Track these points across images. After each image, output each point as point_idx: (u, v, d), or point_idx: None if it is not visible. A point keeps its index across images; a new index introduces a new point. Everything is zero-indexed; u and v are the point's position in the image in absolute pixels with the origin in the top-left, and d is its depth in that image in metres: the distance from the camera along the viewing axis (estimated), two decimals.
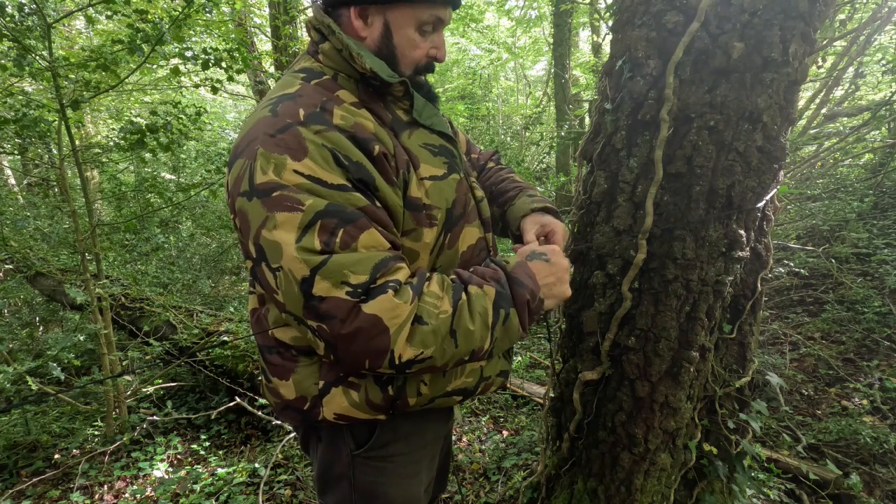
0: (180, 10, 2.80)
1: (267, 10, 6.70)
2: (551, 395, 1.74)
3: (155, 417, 3.05)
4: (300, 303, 0.78)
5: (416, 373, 0.84)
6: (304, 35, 6.71)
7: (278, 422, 2.82)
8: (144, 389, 3.30)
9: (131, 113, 7.23)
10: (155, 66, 3.86)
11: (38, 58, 2.54)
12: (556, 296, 0.94)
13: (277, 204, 0.77)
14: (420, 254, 0.93)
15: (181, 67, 3.32)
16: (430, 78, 1.03)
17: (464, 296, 0.85)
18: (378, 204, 0.83)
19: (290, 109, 0.82)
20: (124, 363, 3.44)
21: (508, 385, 1.08)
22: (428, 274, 0.87)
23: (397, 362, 0.80)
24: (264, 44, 7.99)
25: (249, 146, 0.81)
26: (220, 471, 2.55)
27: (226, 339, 3.19)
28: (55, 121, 2.85)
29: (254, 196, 0.78)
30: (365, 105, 0.90)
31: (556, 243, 1.08)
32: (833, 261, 3.61)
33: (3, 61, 2.57)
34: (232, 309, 4.32)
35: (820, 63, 4.30)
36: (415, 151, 0.93)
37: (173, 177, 6.46)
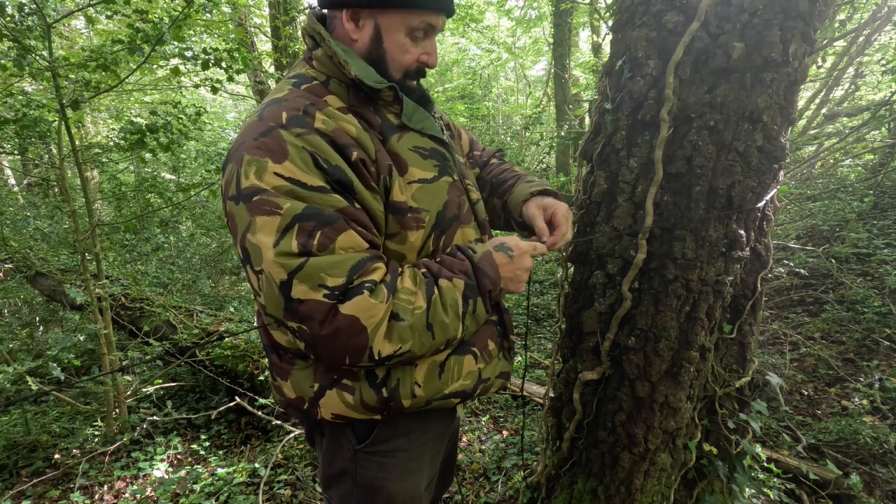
0: (180, 10, 2.79)
1: (267, 10, 6.70)
2: (551, 395, 1.74)
3: (155, 417, 3.05)
4: (280, 305, 0.80)
5: (395, 364, 0.89)
6: None
7: (278, 422, 2.82)
8: (144, 389, 3.30)
9: (131, 113, 7.23)
10: (155, 66, 3.86)
11: (38, 58, 2.54)
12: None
13: (257, 208, 0.79)
14: (406, 255, 0.95)
15: (181, 67, 3.32)
16: (430, 78, 1.04)
17: (436, 290, 0.88)
18: (357, 206, 0.85)
19: (274, 113, 0.84)
20: (124, 363, 3.44)
21: (508, 385, 1.08)
22: (400, 269, 0.89)
23: (377, 358, 0.83)
24: (264, 44, 7.99)
25: (237, 151, 0.83)
26: (220, 471, 2.55)
27: (224, 335, 3.19)
28: (55, 121, 2.85)
29: (240, 200, 0.81)
30: (353, 110, 0.91)
31: (558, 224, 1.10)
32: (833, 261, 3.61)
33: (3, 61, 2.57)
34: (232, 309, 4.32)
35: (820, 63, 4.30)
36: (404, 155, 0.94)
37: (173, 177, 6.46)
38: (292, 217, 0.78)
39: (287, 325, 0.83)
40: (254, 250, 0.80)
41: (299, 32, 6.16)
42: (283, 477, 2.43)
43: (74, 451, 2.89)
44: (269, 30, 6.63)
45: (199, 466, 2.67)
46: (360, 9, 0.91)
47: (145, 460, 2.75)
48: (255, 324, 1.07)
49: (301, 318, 0.79)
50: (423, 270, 0.91)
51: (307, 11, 1.01)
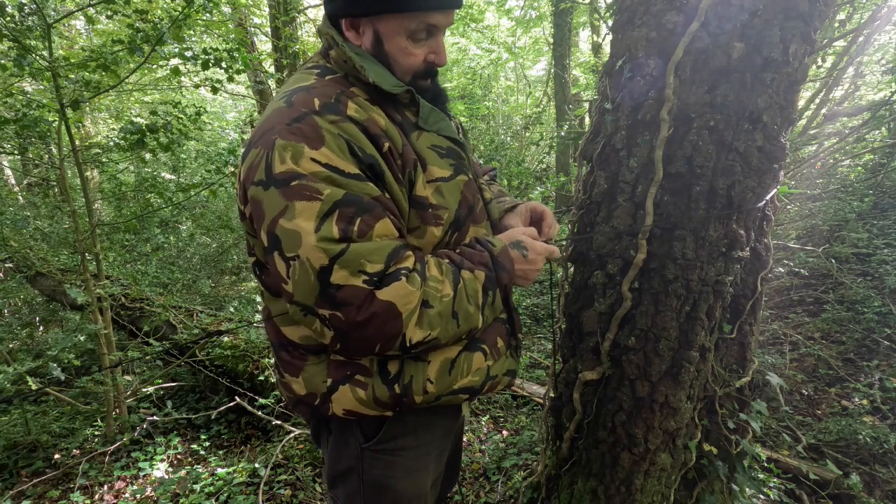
0: (180, 10, 2.79)
1: (267, 10, 6.70)
2: (551, 395, 1.74)
3: (155, 417, 3.06)
4: (315, 291, 0.80)
5: (421, 352, 0.90)
6: (303, 35, 6.71)
7: (278, 422, 2.82)
8: (144, 389, 3.30)
9: (131, 113, 7.24)
10: (155, 66, 3.86)
11: (38, 58, 2.54)
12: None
13: (296, 193, 0.78)
14: (424, 251, 0.96)
15: (181, 67, 3.32)
16: None
17: (461, 280, 0.90)
18: (387, 195, 0.86)
19: (304, 99, 0.84)
20: (122, 359, 3.45)
21: (513, 384, 1.11)
22: (426, 258, 0.90)
23: (408, 345, 0.84)
24: (264, 44, 7.98)
25: (265, 136, 0.83)
26: (220, 471, 2.55)
27: (223, 332, 3.19)
28: (55, 121, 2.85)
29: (270, 185, 0.80)
30: (377, 102, 0.91)
31: (546, 222, 1.14)
32: (833, 261, 3.61)
33: (3, 61, 2.57)
34: (232, 309, 4.32)
35: (820, 63, 4.30)
36: (423, 153, 0.94)
37: (173, 177, 6.46)
38: (333, 203, 0.78)
39: (318, 314, 0.82)
40: (289, 236, 0.79)
41: (301, 30, 6.17)
42: (283, 477, 2.43)
43: (74, 451, 2.89)
44: (269, 30, 6.63)
45: (199, 466, 2.67)
46: (357, 17, 0.91)
47: (145, 460, 2.75)
48: (259, 322, 1.07)
49: (337, 304, 0.79)
50: (447, 260, 0.92)
51: (320, 16, 1.00)
